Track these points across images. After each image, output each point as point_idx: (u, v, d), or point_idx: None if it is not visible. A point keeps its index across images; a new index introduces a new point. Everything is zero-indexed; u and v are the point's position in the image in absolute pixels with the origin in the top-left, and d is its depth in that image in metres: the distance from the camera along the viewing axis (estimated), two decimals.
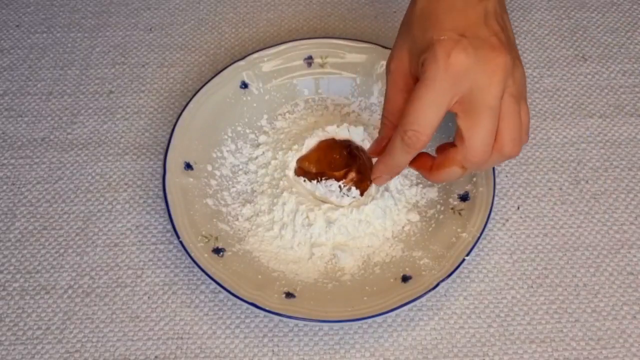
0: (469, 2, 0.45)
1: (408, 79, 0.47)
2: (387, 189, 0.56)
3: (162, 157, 0.61)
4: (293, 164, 0.57)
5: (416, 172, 0.58)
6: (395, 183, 0.56)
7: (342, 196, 0.55)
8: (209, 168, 0.58)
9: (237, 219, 0.56)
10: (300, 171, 0.56)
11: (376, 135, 0.52)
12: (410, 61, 0.46)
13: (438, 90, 0.43)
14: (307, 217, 0.54)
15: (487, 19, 0.45)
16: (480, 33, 0.44)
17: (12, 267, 0.55)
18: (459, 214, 0.55)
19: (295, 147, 0.58)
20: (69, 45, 0.69)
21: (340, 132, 0.58)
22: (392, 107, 0.48)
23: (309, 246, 0.54)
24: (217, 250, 0.53)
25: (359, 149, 0.57)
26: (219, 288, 0.50)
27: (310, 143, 0.58)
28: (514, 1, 0.72)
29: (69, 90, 0.65)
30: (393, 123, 0.48)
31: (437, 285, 0.50)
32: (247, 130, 0.61)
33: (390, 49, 0.50)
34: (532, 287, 0.54)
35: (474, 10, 0.45)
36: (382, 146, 0.50)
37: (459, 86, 0.43)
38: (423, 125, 0.44)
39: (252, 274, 0.52)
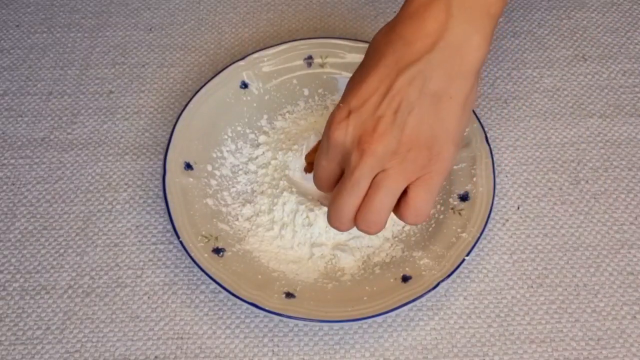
0: (391, 70, 0.44)
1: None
2: None
3: (162, 157, 0.61)
4: (295, 164, 0.57)
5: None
6: None
7: None
8: (209, 168, 0.58)
9: (237, 219, 0.56)
10: (311, 167, 0.56)
11: None
12: None
13: (325, 153, 0.46)
14: (307, 217, 0.54)
15: (391, 95, 0.43)
16: (370, 112, 0.44)
17: (12, 267, 0.55)
18: (459, 214, 0.55)
19: (295, 147, 0.58)
20: (69, 45, 0.69)
21: None
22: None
23: (309, 246, 0.54)
24: (217, 250, 0.53)
25: None
26: (219, 288, 0.50)
27: (314, 140, 0.58)
28: (514, 1, 0.72)
29: (69, 90, 0.65)
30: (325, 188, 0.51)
31: (437, 285, 0.50)
32: (247, 130, 0.61)
33: None
34: (532, 287, 0.54)
35: (384, 83, 0.44)
36: None
37: (340, 155, 0.45)
38: (319, 178, 0.48)
39: (252, 274, 0.52)
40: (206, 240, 0.53)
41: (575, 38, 0.69)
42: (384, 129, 0.43)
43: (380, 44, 0.46)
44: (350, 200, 0.45)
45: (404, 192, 0.45)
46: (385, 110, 0.43)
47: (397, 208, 0.46)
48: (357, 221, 0.46)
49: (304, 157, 0.57)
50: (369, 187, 0.45)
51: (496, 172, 0.57)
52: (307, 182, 0.56)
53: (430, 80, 0.43)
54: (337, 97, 0.63)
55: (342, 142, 0.44)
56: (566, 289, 0.54)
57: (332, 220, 0.47)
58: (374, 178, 0.44)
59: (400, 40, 0.44)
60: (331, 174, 0.47)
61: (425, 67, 0.43)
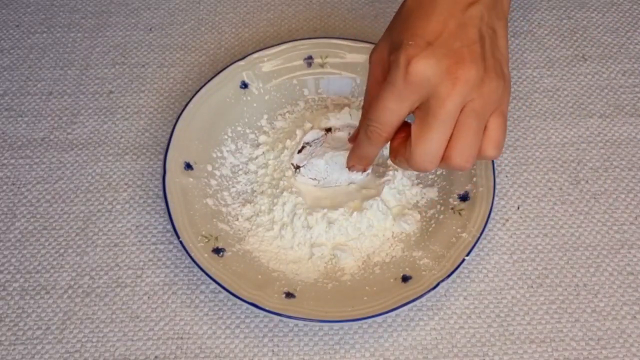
0: (454, 8, 0.45)
1: (386, 72, 0.47)
2: (390, 188, 0.56)
3: (162, 157, 0.61)
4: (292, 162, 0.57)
5: (416, 172, 0.58)
6: (396, 184, 0.57)
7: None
8: (209, 168, 0.58)
9: (237, 219, 0.56)
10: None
11: None
12: (388, 56, 0.47)
13: (397, 95, 0.44)
14: (307, 217, 0.54)
15: (466, 27, 0.44)
16: (451, 43, 0.44)
17: (12, 267, 0.55)
18: (459, 214, 0.55)
19: (288, 141, 0.58)
20: (69, 45, 0.69)
21: (342, 116, 0.58)
22: (370, 98, 0.49)
23: (309, 246, 0.54)
24: (217, 250, 0.53)
25: None
26: (219, 288, 0.50)
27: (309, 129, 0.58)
28: (514, 1, 0.72)
29: (69, 90, 0.65)
30: None
31: (437, 285, 0.50)
32: (247, 130, 0.61)
33: None
34: (532, 287, 0.54)
35: (454, 17, 0.44)
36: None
37: (418, 93, 0.44)
38: (382, 123, 0.46)
39: (252, 274, 0.52)
40: (206, 240, 0.53)
41: (575, 38, 0.69)
42: (474, 57, 0.44)
43: None
44: (442, 135, 0.44)
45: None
46: (469, 41, 0.44)
47: None
48: (451, 157, 0.45)
49: (297, 151, 0.57)
50: (457, 121, 0.44)
51: (496, 172, 0.57)
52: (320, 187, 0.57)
53: (489, 18, 0.46)
54: (337, 97, 0.63)
55: (427, 76, 0.43)
56: (566, 289, 0.54)
57: (418, 161, 0.45)
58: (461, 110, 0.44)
59: None
60: (401, 117, 0.45)
61: (482, 6, 0.45)
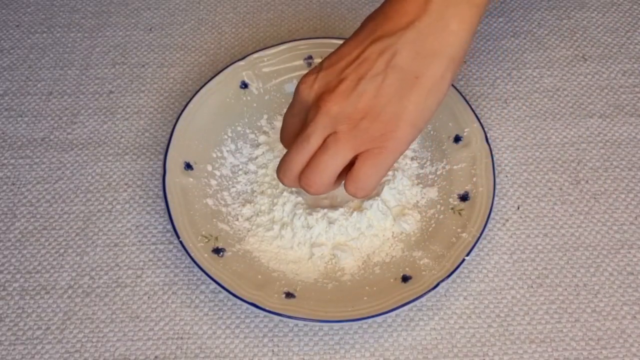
0: (368, 37, 0.45)
1: None
2: (390, 188, 0.56)
3: (162, 157, 0.61)
4: None
5: (416, 172, 0.58)
6: (396, 184, 0.57)
7: None
8: (209, 168, 0.58)
9: (237, 219, 0.56)
10: None
11: None
12: None
13: (291, 109, 0.48)
14: (307, 217, 0.54)
15: (357, 61, 0.45)
16: (338, 72, 0.45)
17: (12, 267, 0.55)
18: (459, 214, 0.55)
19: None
20: (69, 45, 0.69)
21: None
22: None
23: (309, 246, 0.54)
24: (217, 250, 0.53)
25: None
26: (219, 288, 0.50)
27: None
28: (514, 1, 0.72)
29: (69, 90, 0.65)
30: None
31: (437, 285, 0.50)
32: (247, 130, 0.61)
33: None
34: (532, 287, 0.54)
35: (360, 47, 0.46)
36: None
37: (304, 111, 0.47)
38: (286, 134, 0.50)
39: (252, 274, 0.52)
40: (206, 240, 0.53)
41: (575, 38, 0.69)
42: (344, 90, 0.44)
43: (366, 19, 0.48)
44: (299, 156, 0.46)
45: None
46: (350, 74, 0.45)
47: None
48: (300, 177, 0.47)
49: None
50: (319, 147, 0.46)
51: (496, 172, 0.57)
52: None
53: (400, 55, 0.44)
54: None
55: (306, 98, 0.46)
56: (566, 289, 0.54)
57: (279, 172, 0.48)
58: (325, 139, 0.45)
59: (381, 15, 0.46)
60: (293, 128, 0.49)
61: (397, 41, 0.44)
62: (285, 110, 0.61)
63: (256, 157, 0.60)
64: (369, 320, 0.51)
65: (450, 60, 0.45)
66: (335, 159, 0.45)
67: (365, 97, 0.44)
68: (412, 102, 0.44)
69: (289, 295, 0.51)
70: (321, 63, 0.47)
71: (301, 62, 0.63)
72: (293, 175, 0.47)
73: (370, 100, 0.44)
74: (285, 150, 0.50)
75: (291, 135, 0.49)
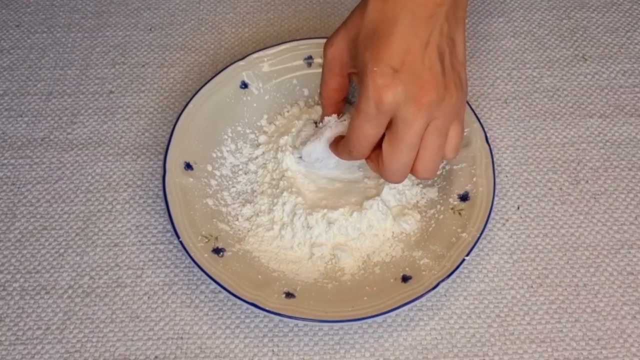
0: (415, 24, 0.46)
1: (344, 67, 0.52)
2: (391, 188, 0.56)
3: (162, 157, 0.61)
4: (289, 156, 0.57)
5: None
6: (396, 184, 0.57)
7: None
8: (209, 168, 0.58)
9: (237, 219, 0.56)
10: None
11: None
12: (348, 56, 0.51)
13: (371, 122, 0.47)
14: (307, 217, 0.54)
15: (427, 47, 0.46)
16: (414, 67, 0.46)
17: (12, 267, 0.55)
18: (459, 214, 0.55)
19: (285, 137, 0.58)
20: (69, 45, 0.69)
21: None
22: (328, 89, 0.54)
23: (309, 246, 0.54)
24: (217, 250, 0.53)
25: None
26: (219, 288, 0.50)
27: (303, 124, 0.58)
28: (514, 1, 0.72)
29: (69, 90, 0.65)
30: (330, 103, 0.55)
31: (437, 285, 0.50)
32: (247, 130, 0.61)
33: None
34: (532, 287, 0.54)
35: (416, 37, 0.46)
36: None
37: (389, 117, 0.47)
38: (363, 147, 0.50)
39: (252, 274, 0.52)
40: (206, 240, 0.53)
41: (575, 38, 0.69)
42: (435, 79, 0.46)
43: (387, 4, 0.47)
44: (411, 154, 0.48)
45: None
46: (431, 62, 0.46)
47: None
48: (418, 171, 0.49)
49: (297, 142, 0.57)
50: (422, 139, 0.48)
51: (496, 172, 0.57)
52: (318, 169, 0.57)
53: (449, 28, 0.48)
54: None
55: (396, 102, 0.46)
56: (566, 289, 0.54)
57: (390, 177, 0.50)
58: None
59: (410, 2, 0.47)
60: (376, 139, 0.49)
61: (442, 18, 0.47)
62: (285, 110, 0.63)
63: (256, 157, 0.60)
64: (369, 320, 0.51)
65: (462, 21, 0.50)
66: (443, 139, 0.49)
67: (447, 76, 0.47)
68: (463, 60, 0.50)
69: (289, 295, 0.51)
70: (382, 63, 0.46)
71: (301, 62, 0.63)
72: (406, 172, 0.50)
73: (450, 76, 0.48)
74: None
75: (371, 146, 0.50)
